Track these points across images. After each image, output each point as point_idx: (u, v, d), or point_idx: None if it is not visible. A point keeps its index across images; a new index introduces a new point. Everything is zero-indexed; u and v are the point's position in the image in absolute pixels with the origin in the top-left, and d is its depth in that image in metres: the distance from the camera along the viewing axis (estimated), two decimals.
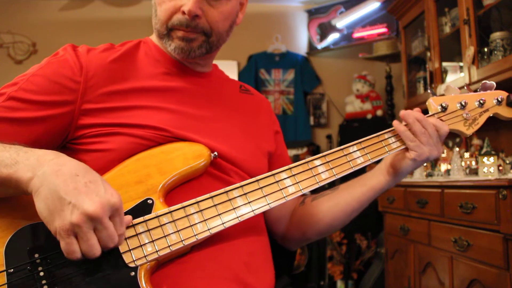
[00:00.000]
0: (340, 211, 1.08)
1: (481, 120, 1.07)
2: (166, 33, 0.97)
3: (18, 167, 0.74)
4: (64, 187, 0.70)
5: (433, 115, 1.04)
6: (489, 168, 2.02)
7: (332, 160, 0.95)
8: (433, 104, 1.06)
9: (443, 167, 2.57)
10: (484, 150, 2.07)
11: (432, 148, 0.99)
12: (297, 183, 0.91)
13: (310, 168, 0.94)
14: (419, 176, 2.56)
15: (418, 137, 0.99)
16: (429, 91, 1.14)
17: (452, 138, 2.81)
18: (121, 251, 0.78)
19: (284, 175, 0.92)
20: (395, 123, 1.01)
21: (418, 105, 3.06)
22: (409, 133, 0.99)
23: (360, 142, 0.99)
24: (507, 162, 2.16)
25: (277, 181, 0.91)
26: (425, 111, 1.07)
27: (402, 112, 1.01)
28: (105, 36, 2.57)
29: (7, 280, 0.73)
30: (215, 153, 0.93)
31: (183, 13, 0.93)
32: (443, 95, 1.09)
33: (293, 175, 0.92)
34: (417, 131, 0.99)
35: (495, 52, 2.25)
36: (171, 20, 0.95)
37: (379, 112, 3.79)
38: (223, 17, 0.97)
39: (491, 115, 1.09)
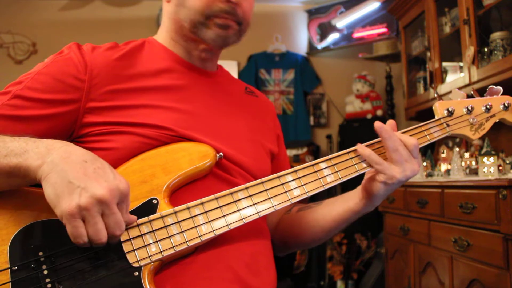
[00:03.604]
0: (319, 227, 1.07)
1: (488, 126, 1.06)
2: (203, 21, 0.98)
3: (28, 155, 0.75)
4: (73, 173, 0.71)
5: (429, 123, 1.03)
6: (489, 168, 2.03)
7: (338, 163, 0.94)
8: (439, 108, 1.04)
9: (443, 167, 2.57)
10: (484, 150, 2.08)
11: (404, 168, 0.92)
12: (302, 185, 0.91)
13: (316, 171, 0.92)
14: (419, 176, 2.57)
15: (389, 154, 0.93)
16: (435, 94, 1.11)
17: (452, 138, 2.82)
18: (125, 251, 0.78)
19: (289, 177, 0.91)
20: (358, 146, 0.95)
21: (418, 105, 3.07)
22: (374, 156, 0.93)
23: (368, 145, 0.96)
24: (507, 162, 2.16)
25: (282, 184, 0.90)
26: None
27: (377, 125, 0.94)
28: (105, 36, 2.57)
29: (11, 278, 0.73)
30: (221, 153, 0.93)
31: (227, 1, 0.96)
32: (444, 94, 1.09)
33: (299, 177, 0.91)
34: (390, 147, 0.93)
35: (495, 52, 2.25)
36: (211, 8, 0.97)
37: (379, 112, 3.79)
38: (251, 9, 1.03)
39: (498, 120, 1.08)
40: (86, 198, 0.69)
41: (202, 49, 1.03)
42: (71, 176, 0.70)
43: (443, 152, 2.67)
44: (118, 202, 0.73)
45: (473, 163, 2.32)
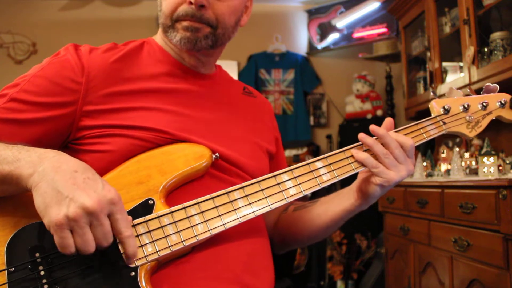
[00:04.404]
0: (316, 226, 1.08)
1: (484, 123, 1.06)
2: (170, 25, 0.98)
3: (20, 163, 0.75)
4: (62, 182, 0.70)
5: (426, 121, 1.02)
6: (489, 168, 2.02)
7: (334, 163, 0.94)
8: (435, 106, 1.04)
9: (443, 167, 2.57)
10: (484, 150, 2.07)
11: (400, 169, 0.92)
12: (298, 184, 0.91)
13: (312, 170, 0.92)
14: (419, 176, 2.56)
15: (381, 160, 0.92)
16: (431, 93, 1.10)
17: (452, 138, 2.81)
18: (122, 251, 0.77)
19: (285, 176, 0.91)
20: (353, 151, 0.94)
21: (418, 105, 3.07)
22: (371, 160, 0.92)
23: (361, 144, 0.96)
24: (507, 162, 2.16)
25: (278, 183, 0.90)
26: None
27: (360, 136, 0.94)
28: (105, 36, 2.57)
29: (8, 279, 0.73)
30: (217, 154, 0.93)
31: (190, 3, 0.94)
32: (443, 95, 1.08)
33: (295, 177, 0.91)
34: (378, 152, 0.92)
35: (495, 52, 2.25)
36: (177, 12, 0.96)
37: (379, 112, 3.79)
38: (230, 10, 0.99)
39: (494, 118, 1.07)
40: (74, 209, 0.68)
41: (186, 53, 1.03)
42: (60, 186, 0.70)
43: (443, 152, 2.67)
44: (111, 214, 0.72)
45: (473, 163, 2.32)
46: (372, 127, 0.94)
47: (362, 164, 0.94)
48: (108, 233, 0.72)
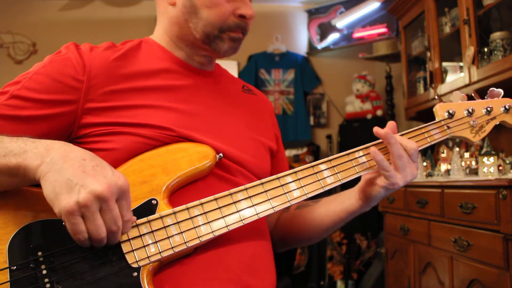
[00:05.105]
0: (317, 226, 1.08)
1: (488, 128, 1.06)
2: (217, 35, 1.00)
3: (27, 155, 0.75)
4: (72, 171, 0.71)
5: (430, 125, 1.03)
6: (489, 168, 2.03)
7: (338, 165, 0.94)
8: (439, 110, 1.05)
9: (443, 167, 2.57)
10: (484, 150, 2.08)
11: (405, 173, 0.93)
12: (302, 187, 0.91)
13: (316, 173, 0.93)
14: (419, 176, 2.56)
15: (393, 159, 0.93)
16: (436, 96, 1.10)
17: (452, 138, 2.81)
18: (124, 251, 0.78)
19: (289, 178, 0.91)
20: (372, 151, 0.93)
21: (418, 105, 3.07)
22: (386, 163, 0.92)
23: (366, 147, 0.97)
24: (507, 162, 2.16)
25: (282, 185, 0.90)
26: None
27: (384, 132, 0.93)
28: (105, 36, 2.57)
29: (10, 277, 0.73)
30: (220, 154, 0.93)
31: (241, 16, 1.00)
32: (444, 95, 1.09)
33: (298, 179, 0.91)
34: (394, 153, 0.92)
35: (495, 52, 2.25)
36: (226, 23, 0.99)
37: (379, 112, 3.79)
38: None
39: (498, 123, 1.08)
40: (85, 195, 0.69)
41: (203, 55, 1.05)
42: (69, 174, 0.71)
43: (443, 152, 2.67)
44: (118, 199, 0.73)
45: (473, 163, 2.32)
46: (376, 129, 0.94)
47: (368, 167, 0.95)
48: (117, 217, 0.73)
